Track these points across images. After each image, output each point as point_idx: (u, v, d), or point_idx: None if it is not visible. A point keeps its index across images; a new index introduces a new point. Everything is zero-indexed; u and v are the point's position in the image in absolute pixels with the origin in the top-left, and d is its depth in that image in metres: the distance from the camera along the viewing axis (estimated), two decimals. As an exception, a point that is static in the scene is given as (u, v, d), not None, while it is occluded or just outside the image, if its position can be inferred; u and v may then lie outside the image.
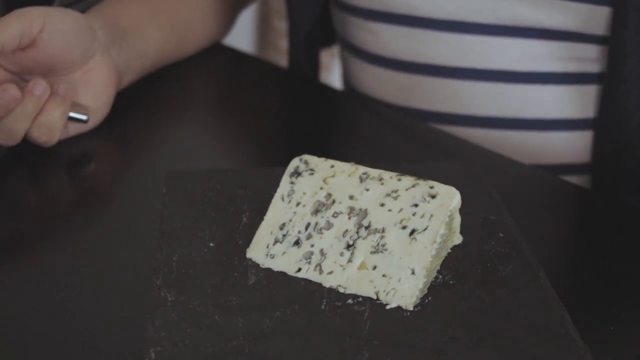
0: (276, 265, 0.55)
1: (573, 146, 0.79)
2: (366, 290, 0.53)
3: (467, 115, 0.80)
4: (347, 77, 0.93)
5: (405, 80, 0.83)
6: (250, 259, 0.56)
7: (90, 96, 0.72)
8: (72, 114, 0.71)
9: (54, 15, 0.68)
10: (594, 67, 0.76)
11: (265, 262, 0.55)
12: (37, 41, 0.68)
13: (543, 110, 0.79)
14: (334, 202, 0.56)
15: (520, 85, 0.78)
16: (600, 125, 0.76)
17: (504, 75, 0.78)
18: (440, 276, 0.54)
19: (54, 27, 0.68)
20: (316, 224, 0.55)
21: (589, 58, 0.75)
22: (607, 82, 0.73)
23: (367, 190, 0.55)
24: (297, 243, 0.55)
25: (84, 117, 0.71)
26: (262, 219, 0.57)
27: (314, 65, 0.92)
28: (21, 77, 0.71)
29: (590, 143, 0.78)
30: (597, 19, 0.72)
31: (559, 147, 0.79)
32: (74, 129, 0.72)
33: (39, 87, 0.67)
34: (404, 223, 0.54)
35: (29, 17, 0.67)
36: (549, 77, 0.77)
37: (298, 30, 0.89)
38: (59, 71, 0.71)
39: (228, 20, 0.93)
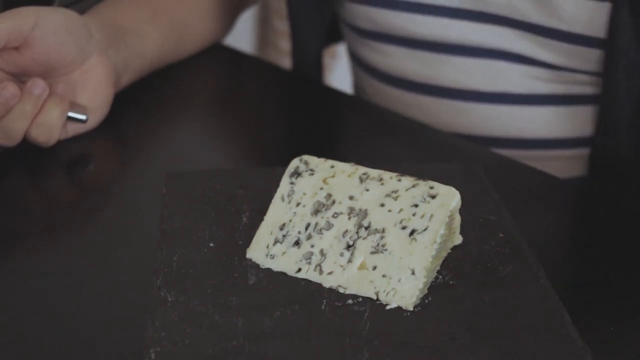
0: (276, 265, 0.55)
1: (571, 162, 0.81)
2: (366, 290, 0.53)
3: (471, 135, 0.82)
4: (357, 90, 0.94)
5: (412, 99, 0.84)
6: (250, 259, 0.56)
7: (89, 96, 0.73)
8: (70, 114, 0.71)
9: (46, 14, 0.69)
10: (591, 90, 0.78)
11: (265, 263, 0.55)
12: (30, 40, 0.68)
13: (543, 130, 0.81)
14: (334, 202, 0.56)
15: (522, 106, 0.80)
16: (595, 148, 0.78)
17: (507, 98, 0.80)
18: (440, 276, 0.54)
19: (46, 25, 0.68)
20: (316, 224, 0.55)
21: (585, 81, 0.78)
22: (600, 116, 0.76)
23: (367, 190, 0.55)
24: (297, 243, 0.55)
25: (82, 117, 0.71)
26: (262, 219, 0.57)
27: (319, 70, 0.93)
28: (19, 79, 0.71)
29: (587, 158, 0.80)
30: (590, 59, 0.75)
31: (558, 163, 0.81)
32: (73, 130, 0.72)
33: (38, 86, 0.67)
34: (404, 223, 0.54)
35: (20, 15, 0.68)
36: (548, 99, 0.80)
37: (304, 51, 0.90)
38: (57, 71, 0.71)
39: (228, 21, 0.93)
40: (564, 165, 0.81)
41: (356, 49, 0.89)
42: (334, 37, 0.96)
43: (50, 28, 0.69)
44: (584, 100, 0.79)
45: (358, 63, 0.90)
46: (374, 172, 0.56)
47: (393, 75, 0.85)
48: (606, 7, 0.71)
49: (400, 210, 0.54)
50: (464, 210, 0.55)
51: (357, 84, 0.94)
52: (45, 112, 0.68)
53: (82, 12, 0.76)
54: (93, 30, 0.73)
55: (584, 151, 0.80)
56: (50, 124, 0.69)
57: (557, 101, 0.79)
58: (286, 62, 1.16)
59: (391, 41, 0.83)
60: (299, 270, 0.54)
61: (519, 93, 0.80)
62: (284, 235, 0.56)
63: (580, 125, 0.79)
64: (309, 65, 0.90)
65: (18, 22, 0.67)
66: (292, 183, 0.57)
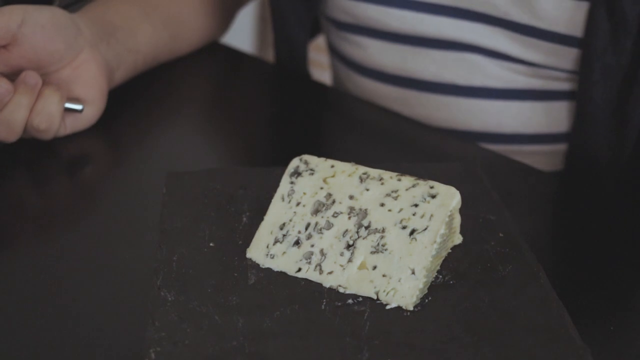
0: (276, 265, 0.55)
1: (548, 157, 0.82)
2: (366, 290, 0.53)
3: (449, 128, 0.82)
4: (336, 83, 0.94)
5: (391, 92, 0.84)
6: (250, 259, 0.56)
7: (83, 91, 0.73)
8: (67, 105, 0.71)
9: (33, 11, 0.69)
10: (569, 86, 0.78)
11: (265, 262, 0.55)
12: (18, 37, 0.69)
13: (521, 124, 0.81)
14: (334, 202, 0.56)
15: (500, 101, 0.80)
16: (571, 146, 0.78)
17: (484, 92, 0.80)
18: (440, 276, 0.54)
19: (34, 22, 0.69)
20: (316, 224, 0.55)
21: (563, 78, 0.78)
22: (576, 115, 0.76)
23: (367, 190, 0.55)
24: (297, 243, 0.55)
25: (78, 107, 0.72)
26: (262, 219, 0.57)
27: (305, 63, 0.93)
28: (11, 79, 0.71)
29: (564, 154, 0.80)
30: (568, 58, 0.75)
31: (535, 158, 0.81)
32: (72, 125, 0.73)
33: (31, 77, 0.68)
34: (404, 223, 0.54)
35: (6, 14, 0.68)
36: (526, 94, 0.80)
37: (291, 44, 0.90)
38: (47, 67, 0.71)
39: (225, 18, 0.93)
40: (541, 161, 0.81)
41: (335, 42, 0.89)
42: (313, 30, 0.96)
43: (37, 25, 0.69)
44: (561, 96, 0.79)
45: (337, 56, 0.90)
46: (374, 172, 0.56)
47: (371, 68, 0.85)
48: (585, 7, 0.71)
49: (401, 209, 0.54)
50: (464, 210, 0.55)
51: (336, 78, 0.94)
52: (43, 99, 0.69)
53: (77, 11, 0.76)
54: (82, 26, 0.74)
55: (561, 147, 0.80)
56: (50, 111, 0.69)
57: (535, 96, 0.79)
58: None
59: (369, 34, 0.83)
60: (299, 270, 0.54)
61: (497, 87, 0.80)
62: (284, 235, 0.56)
63: (557, 120, 0.80)
64: (297, 58, 0.90)
65: (5, 20, 0.68)
66: (292, 183, 0.57)
